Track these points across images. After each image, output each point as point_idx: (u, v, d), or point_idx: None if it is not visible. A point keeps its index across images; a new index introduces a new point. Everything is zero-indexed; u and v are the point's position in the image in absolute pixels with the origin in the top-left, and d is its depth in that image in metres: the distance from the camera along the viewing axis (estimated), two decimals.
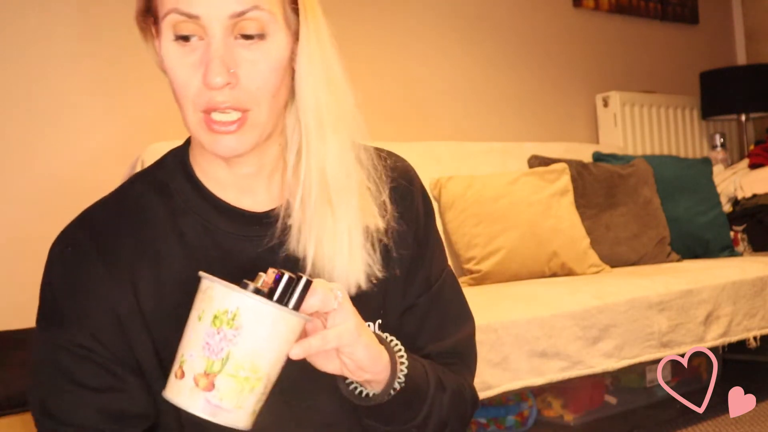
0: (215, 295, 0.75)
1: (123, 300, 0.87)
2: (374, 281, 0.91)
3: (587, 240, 2.66)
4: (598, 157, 3.16)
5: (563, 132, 3.57)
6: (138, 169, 2.02)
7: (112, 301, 0.87)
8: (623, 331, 2.11)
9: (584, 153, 3.16)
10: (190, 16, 0.81)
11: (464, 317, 1.04)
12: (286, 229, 0.89)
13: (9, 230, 2.23)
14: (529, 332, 1.94)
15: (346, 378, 0.87)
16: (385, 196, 0.93)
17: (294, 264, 0.89)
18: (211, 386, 0.74)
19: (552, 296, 2.10)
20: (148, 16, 0.87)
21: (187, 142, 0.96)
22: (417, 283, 0.99)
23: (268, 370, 0.76)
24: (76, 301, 0.87)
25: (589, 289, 2.18)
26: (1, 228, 2.22)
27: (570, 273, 2.58)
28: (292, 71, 0.87)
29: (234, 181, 0.91)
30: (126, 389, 0.87)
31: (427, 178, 2.64)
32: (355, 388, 0.88)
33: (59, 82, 2.33)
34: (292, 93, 0.89)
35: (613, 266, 2.74)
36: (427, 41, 3.17)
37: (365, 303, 0.90)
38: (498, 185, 2.64)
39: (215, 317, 0.75)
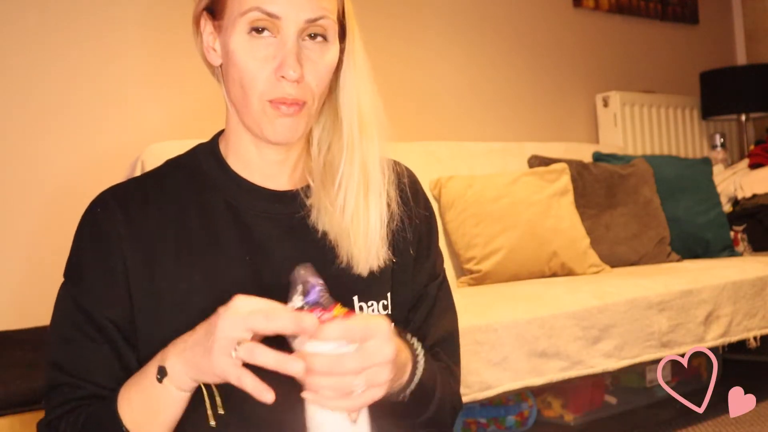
0: None
1: (139, 267, 0.94)
2: (386, 263, 1.01)
3: (587, 240, 2.66)
4: (598, 157, 3.16)
5: (563, 132, 3.57)
6: (138, 169, 2.03)
7: (129, 265, 0.94)
8: (623, 331, 2.11)
9: (584, 153, 3.16)
10: (271, 15, 0.92)
11: (454, 310, 1.15)
12: (306, 209, 1.00)
13: (9, 230, 2.23)
14: (529, 332, 1.93)
15: None
16: (396, 190, 1.04)
17: (313, 240, 0.99)
18: None
19: (552, 296, 2.10)
20: (209, 14, 0.98)
21: (214, 139, 1.05)
22: (424, 272, 1.09)
23: None
24: (99, 262, 0.95)
25: (589, 289, 2.18)
26: (2, 228, 2.22)
27: (570, 273, 2.58)
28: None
29: (262, 166, 1.01)
30: (122, 359, 0.95)
31: (427, 178, 2.64)
32: None
33: (58, 84, 2.33)
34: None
35: (613, 266, 2.74)
36: (427, 41, 3.17)
37: (375, 284, 1.01)
38: (498, 185, 2.63)
39: None
